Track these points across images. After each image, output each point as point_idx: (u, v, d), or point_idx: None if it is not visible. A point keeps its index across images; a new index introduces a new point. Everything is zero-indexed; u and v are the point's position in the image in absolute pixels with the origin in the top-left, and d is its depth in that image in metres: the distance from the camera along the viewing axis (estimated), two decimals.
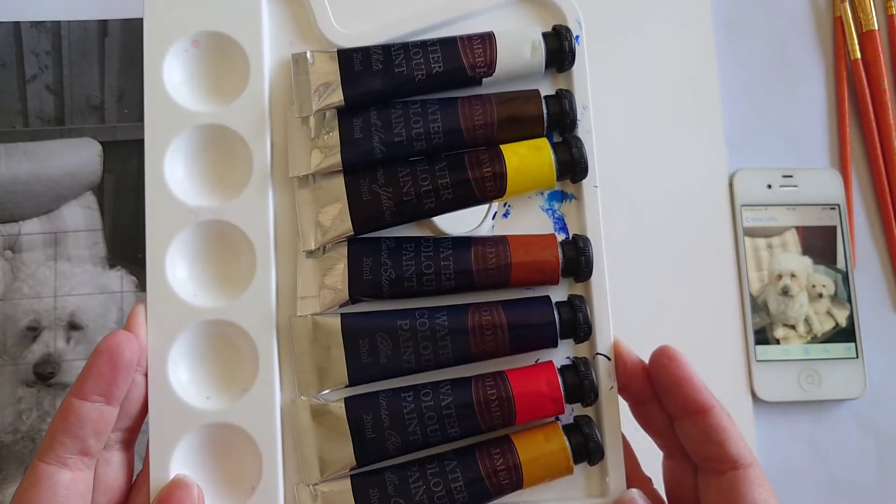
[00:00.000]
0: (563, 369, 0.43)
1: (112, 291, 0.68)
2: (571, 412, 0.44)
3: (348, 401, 0.41)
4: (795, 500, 0.69)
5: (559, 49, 0.45)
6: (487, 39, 0.45)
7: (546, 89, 0.47)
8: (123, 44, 0.71)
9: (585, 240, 0.44)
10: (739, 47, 0.75)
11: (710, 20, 0.74)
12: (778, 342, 0.69)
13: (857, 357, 0.69)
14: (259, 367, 0.42)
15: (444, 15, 0.47)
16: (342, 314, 0.42)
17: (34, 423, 0.66)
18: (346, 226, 0.43)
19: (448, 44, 0.45)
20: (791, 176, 0.72)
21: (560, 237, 0.45)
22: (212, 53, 0.46)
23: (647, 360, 0.43)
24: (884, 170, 0.72)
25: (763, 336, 0.69)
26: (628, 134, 0.71)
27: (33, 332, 0.67)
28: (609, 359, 0.43)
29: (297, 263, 0.43)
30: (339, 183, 0.43)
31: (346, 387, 0.42)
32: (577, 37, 0.46)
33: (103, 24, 0.71)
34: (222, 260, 0.45)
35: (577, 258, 0.44)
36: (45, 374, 0.66)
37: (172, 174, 0.44)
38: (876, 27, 0.73)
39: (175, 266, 0.43)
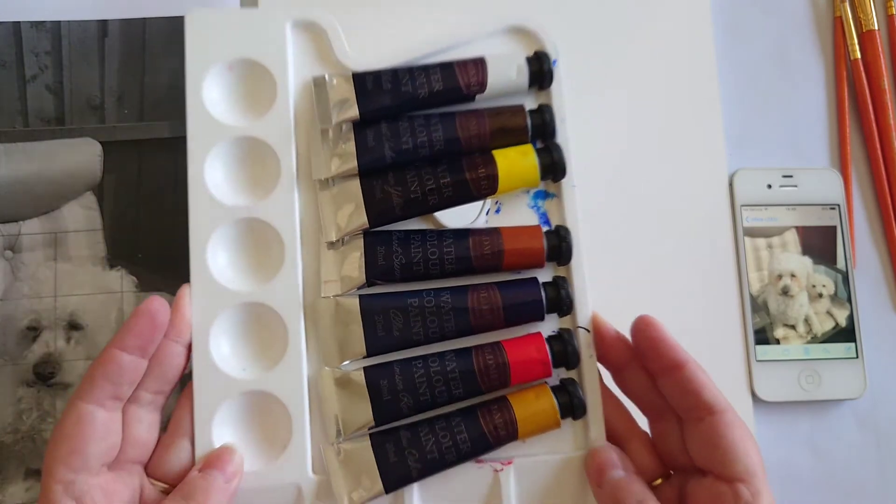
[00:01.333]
0: (550, 338, 0.64)
1: (112, 291, 0.80)
2: (557, 376, 0.65)
3: (367, 370, 0.62)
4: (795, 500, 0.80)
5: (539, 71, 0.67)
6: (480, 63, 0.67)
7: (530, 104, 0.68)
8: (123, 44, 0.84)
9: (566, 230, 0.66)
10: (739, 47, 0.88)
11: (710, 21, 0.87)
12: (778, 342, 0.81)
13: (857, 357, 0.82)
14: (288, 343, 0.63)
15: (443, 43, 0.70)
16: (360, 295, 0.64)
17: (34, 423, 0.77)
18: (362, 220, 0.64)
19: (446, 67, 0.67)
20: (791, 176, 0.85)
21: (544, 228, 0.67)
22: (245, 76, 0.68)
23: (624, 333, 0.63)
24: (884, 170, 0.86)
25: (763, 336, 0.81)
26: (628, 134, 0.84)
27: (33, 332, 0.78)
28: (588, 331, 0.65)
29: (321, 253, 0.65)
30: (355, 184, 0.65)
31: (364, 357, 0.63)
32: (555, 61, 0.68)
33: (103, 24, 0.83)
34: (255, 251, 0.66)
35: (559, 245, 0.66)
36: (45, 374, 0.78)
37: (212, 178, 0.65)
38: (876, 27, 0.88)
39: (215, 256, 0.64)
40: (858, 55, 0.89)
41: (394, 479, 0.62)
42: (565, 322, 0.67)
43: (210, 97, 0.67)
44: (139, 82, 0.84)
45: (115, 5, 0.85)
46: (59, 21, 0.85)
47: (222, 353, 0.64)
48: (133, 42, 0.85)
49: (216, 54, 0.68)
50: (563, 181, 0.69)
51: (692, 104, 0.86)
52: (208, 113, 0.67)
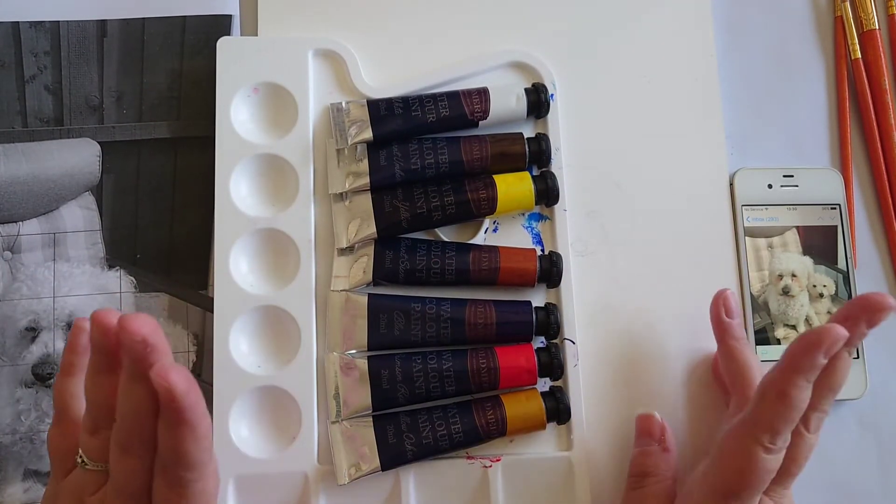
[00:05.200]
0: (538, 350, 0.80)
1: (111, 292, 0.87)
2: (545, 384, 0.81)
3: (370, 359, 0.79)
4: (796, 500, 0.78)
5: (537, 101, 0.85)
6: (483, 93, 0.84)
7: (528, 132, 0.85)
8: (122, 44, 0.91)
9: (558, 256, 0.83)
10: (739, 47, 0.97)
11: (711, 20, 0.95)
12: (779, 342, 0.88)
13: (858, 357, 0.88)
14: (301, 343, 0.80)
15: (450, 74, 0.88)
16: (369, 294, 0.80)
17: (33, 423, 0.84)
18: (372, 230, 0.80)
19: (453, 96, 0.84)
20: (792, 176, 0.92)
21: (538, 250, 0.83)
22: (269, 98, 0.86)
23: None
24: (884, 169, 0.94)
25: (764, 336, 0.88)
26: (629, 134, 0.92)
27: (32, 332, 0.85)
28: (574, 343, 0.81)
29: (334, 258, 0.81)
30: (367, 199, 0.82)
31: (366, 350, 0.79)
32: (553, 94, 0.85)
33: (102, 25, 0.92)
34: (274, 258, 0.83)
35: (550, 269, 0.82)
36: (43, 375, 0.84)
37: (237, 191, 0.82)
38: (876, 26, 0.97)
39: (238, 263, 0.81)
40: (859, 55, 0.98)
41: (390, 459, 0.78)
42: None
43: (237, 117, 0.84)
44: (138, 83, 0.92)
45: (114, 5, 0.93)
46: (58, 21, 0.93)
47: (241, 350, 0.81)
48: (132, 42, 0.93)
49: (244, 77, 0.86)
50: (556, 206, 0.85)
51: (692, 104, 0.94)
52: (235, 131, 0.84)
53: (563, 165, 0.88)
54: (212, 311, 0.83)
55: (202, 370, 0.85)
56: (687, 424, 0.86)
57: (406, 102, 0.85)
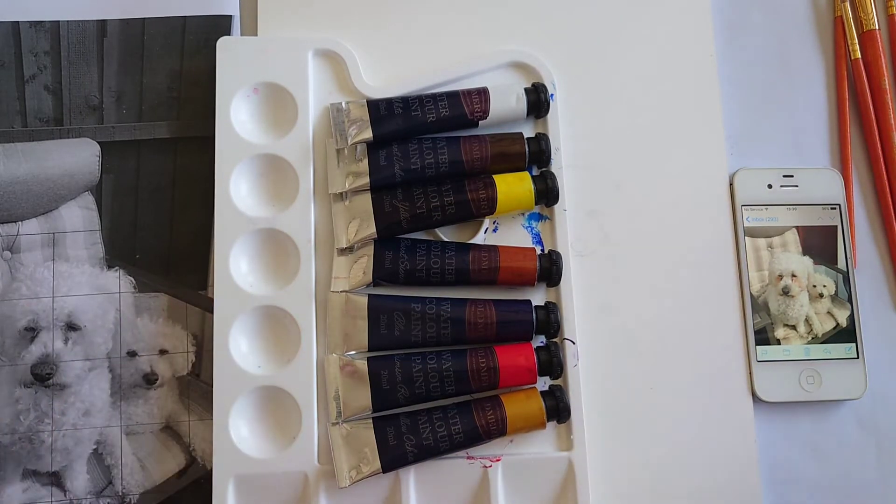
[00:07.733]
0: (538, 349, 0.81)
1: (110, 292, 0.87)
2: (544, 384, 0.82)
3: (370, 360, 0.79)
4: (796, 500, 0.88)
5: (537, 100, 0.85)
6: (483, 93, 0.85)
7: (528, 132, 0.85)
8: (122, 44, 0.92)
9: (558, 254, 0.84)
10: (739, 47, 0.98)
11: (710, 20, 0.96)
12: (778, 342, 0.89)
13: (858, 357, 0.89)
14: (301, 343, 0.81)
15: (450, 74, 0.89)
16: (369, 294, 0.81)
17: (32, 423, 0.84)
18: (371, 230, 0.81)
19: (453, 96, 0.85)
20: (791, 176, 0.93)
21: (537, 250, 0.84)
22: (269, 99, 0.86)
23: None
24: (884, 169, 0.95)
25: (763, 336, 0.89)
26: (629, 134, 0.93)
27: (31, 332, 0.86)
28: (574, 342, 0.82)
29: (333, 258, 0.82)
30: (366, 199, 0.82)
31: (366, 351, 0.80)
32: (553, 94, 0.86)
33: (102, 24, 0.93)
34: (274, 258, 0.84)
35: (550, 268, 0.83)
36: (42, 375, 0.85)
37: (237, 191, 0.83)
38: (876, 27, 0.98)
39: (238, 262, 0.82)
40: (859, 55, 0.99)
41: (391, 461, 0.79)
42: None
43: (237, 117, 0.85)
44: (138, 83, 0.93)
45: (114, 5, 0.94)
46: (58, 21, 0.94)
47: (241, 351, 0.82)
48: (132, 42, 0.94)
49: (244, 77, 0.86)
50: (556, 206, 0.86)
51: (692, 104, 0.95)
52: (235, 131, 0.85)
53: (563, 165, 0.89)
54: (211, 312, 0.84)
55: (202, 370, 0.86)
56: (687, 423, 0.87)
57: (406, 102, 0.85)
